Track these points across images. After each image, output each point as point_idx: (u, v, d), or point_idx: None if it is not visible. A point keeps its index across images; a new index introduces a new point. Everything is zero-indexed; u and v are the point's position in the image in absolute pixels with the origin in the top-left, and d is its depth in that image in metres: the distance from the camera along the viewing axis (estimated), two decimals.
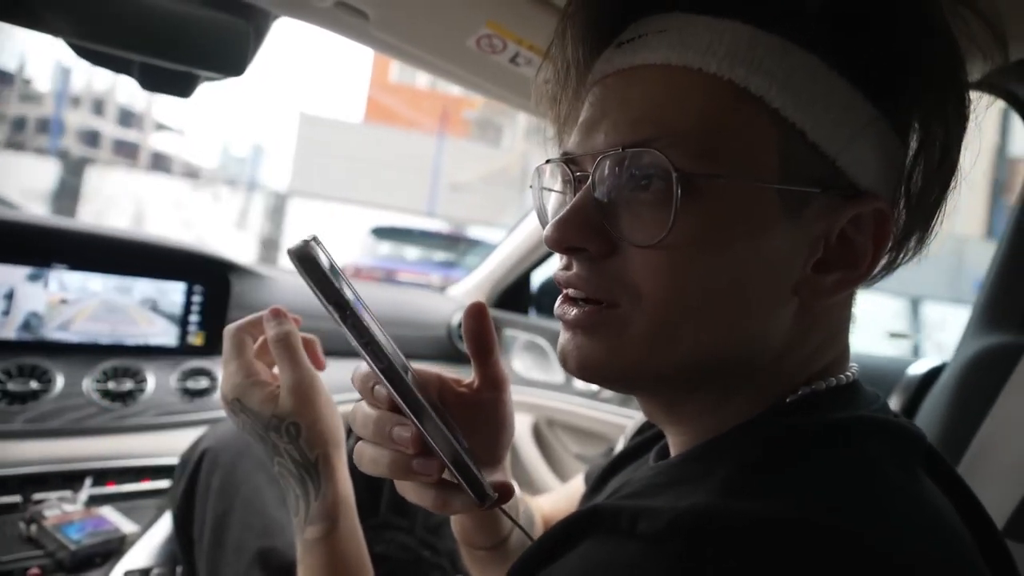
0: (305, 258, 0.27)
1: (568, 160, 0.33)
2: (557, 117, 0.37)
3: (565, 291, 0.33)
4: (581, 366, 0.32)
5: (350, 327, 0.29)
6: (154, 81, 0.68)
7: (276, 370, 0.47)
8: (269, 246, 9.09)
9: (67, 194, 8.10)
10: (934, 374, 0.79)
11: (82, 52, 0.63)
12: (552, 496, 0.65)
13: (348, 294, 0.29)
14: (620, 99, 0.31)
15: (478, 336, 0.38)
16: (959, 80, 0.30)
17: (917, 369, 0.82)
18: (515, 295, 1.46)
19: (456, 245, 6.21)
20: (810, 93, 0.29)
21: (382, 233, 5.83)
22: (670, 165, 0.28)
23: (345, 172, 10.57)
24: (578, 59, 0.33)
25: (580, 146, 0.32)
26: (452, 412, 0.37)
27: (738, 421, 0.32)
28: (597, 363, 0.31)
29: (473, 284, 1.48)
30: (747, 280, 0.30)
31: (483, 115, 12.89)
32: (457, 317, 1.38)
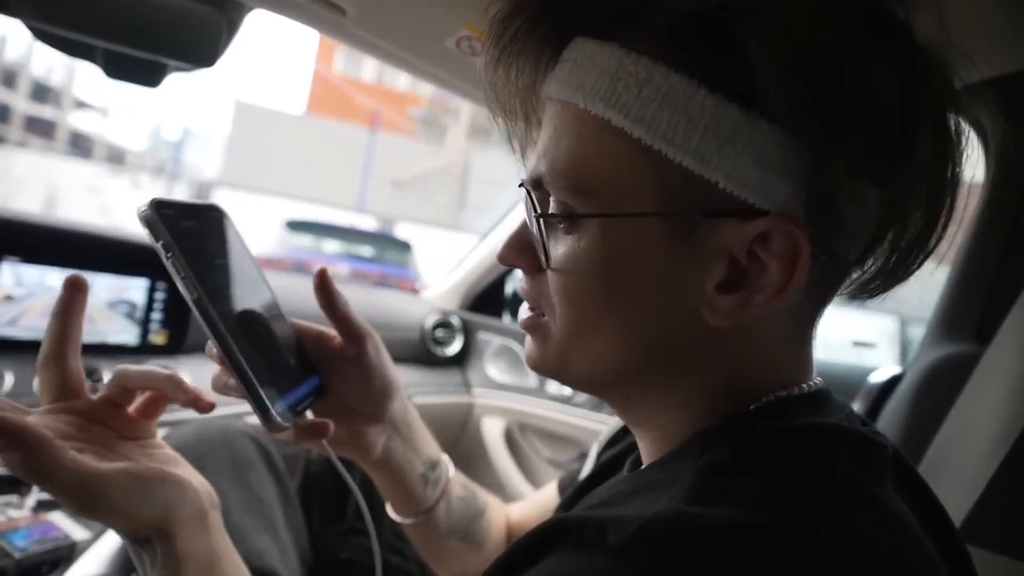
0: (144, 219, 0.35)
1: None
2: (523, 145, 0.38)
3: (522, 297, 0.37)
4: (527, 361, 0.37)
5: (171, 265, 0.35)
6: (120, 69, 0.66)
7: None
8: None
9: None
10: (894, 382, 0.82)
11: (42, 36, 0.60)
12: (523, 504, 0.65)
13: (180, 244, 0.36)
14: (543, 127, 0.33)
15: (327, 298, 0.45)
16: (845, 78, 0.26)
17: (878, 377, 0.85)
18: (489, 299, 1.46)
19: (376, 241, 6.52)
20: (670, 118, 0.28)
21: (296, 226, 5.95)
22: (533, 206, 0.32)
23: (278, 164, 10.28)
24: (524, 87, 0.35)
25: (526, 167, 0.36)
26: (329, 367, 0.45)
27: (700, 429, 0.32)
28: (534, 362, 0.36)
29: (446, 287, 1.47)
30: (639, 301, 0.31)
31: (429, 112, 12.73)
32: (430, 320, 1.37)
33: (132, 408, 0.40)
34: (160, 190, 10.32)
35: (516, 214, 1.27)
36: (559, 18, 0.31)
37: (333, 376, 0.46)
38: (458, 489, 0.56)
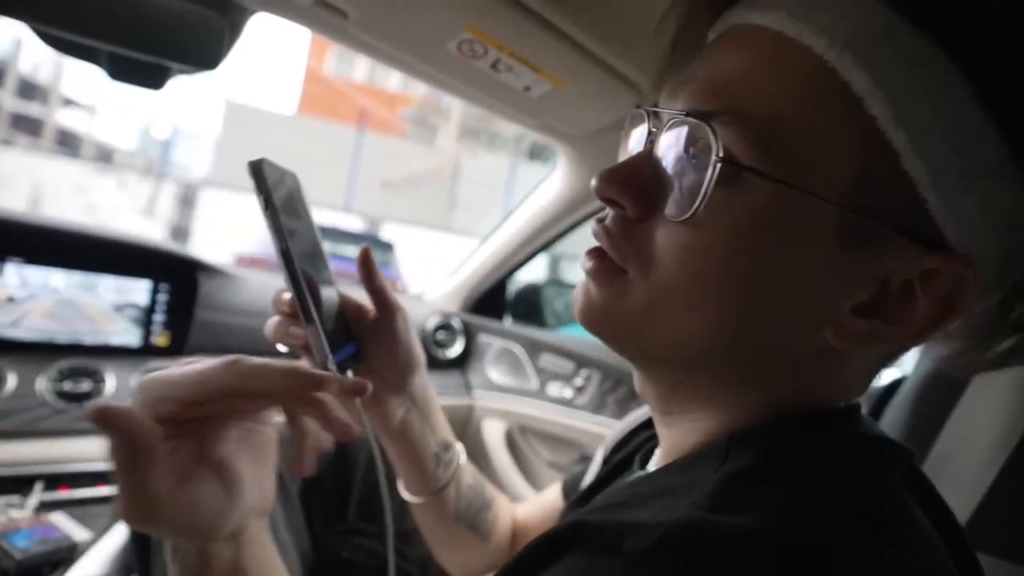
0: (255, 169, 0.39)
1: (654, 112, 0.30)
2: (668, 65, 0.33)
3: (596, 239, 0.32)
4: (581, 310, 0.32)
5: (268, 216, 0.39)
6: (124, 72, 0.66)
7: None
8: (179, 235, 8.67)
9: None
10: (895, 387, 0.82)
11: (47, 38, 0.61)
12: (527, 505, 0.65)
13: (276, 200, 0.39)
14: (715, 61, 0.28)
15: (367, 271, 0.49)
16: None
17: (879, 381, 0.85)
18: (491, 301, 1.46)
19: (359, 241, 6.70)
20: (929, 115, 0.23)
21: None
22: (716, 146, 0.25)
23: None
24: (698, 15, 0.31)
25: (663, 102, 0.30)
26: (363, 337, 0.49)
27: (730, 432, 0.31)
28: (594, 315, 0.31)
29: (448, 289, 1.47)
30: (765, 291, 0.27)
31: (419, 113, 12.71)
32: (432, 322, 1.37)
33: None
34: (147, 190, 10.19)
35: (517, 215, 1.27)
36: None
37: (365, 345, 0.49)
38: (468, 477, 0.57)
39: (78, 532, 0.78)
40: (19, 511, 0.79)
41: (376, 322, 0.49)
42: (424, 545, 0.59)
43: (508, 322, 1.48)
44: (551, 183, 1.14)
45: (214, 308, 1.06)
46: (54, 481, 0.85)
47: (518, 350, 1.35)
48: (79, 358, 0.93)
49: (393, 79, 13.33)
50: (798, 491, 0.26)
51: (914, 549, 0.26)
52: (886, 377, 0.85)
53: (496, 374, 1.38)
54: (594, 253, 0.31)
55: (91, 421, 0.30)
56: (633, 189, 0.29)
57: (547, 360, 1.30)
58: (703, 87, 0.27)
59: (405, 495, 0.55)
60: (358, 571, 0.74)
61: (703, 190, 0.26)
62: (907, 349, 0.30)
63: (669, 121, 0.29)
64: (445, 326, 1.40)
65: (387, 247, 6.51)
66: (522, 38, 0.64)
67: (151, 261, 1.03)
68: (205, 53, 0.64)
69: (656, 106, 0.31)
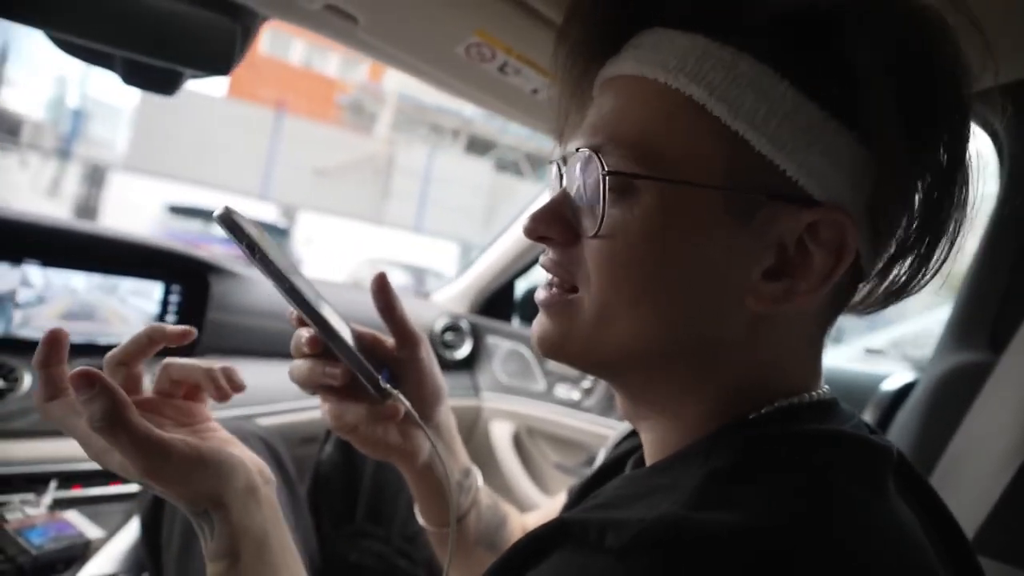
0: (224, 219, 0.37)
1: (563, 159, 0.37)
2: (563, 127, 0.39)
3: (546, 271, 0.37)
4: (538, 343, 0.36)
5: (258, 262, 0.37)
6: (137, 77, 0.67)
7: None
8: (86, 215, 8.06)
9: None
10: (907, 390, 0.81)
11: (62, 44, 0.62)
12: (538, 514, 0.65)
13: (258, 241, 0.38)
14: (596, 108, 0.34)
15: (386, 301, 0.47)
16: (934, 95, 0.29)
17: (890, 384, 0.84)
18: (498, 303, 1.47)
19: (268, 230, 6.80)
20: (752, 103, 0.29)
21: (179, 211, 6.26)
22: (601, 165, 0.31)
23: (184, 147, 9.32)
24: (578, 74, 0.36)
25: (564, 149, 0.36)
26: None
27: (708, 431, 0.32)
28: (550, 342, 0.35)
29: (456, 291, 1.47)
30: (686, 278, 0.31)
31: (356, 100, 12.06)
32: (440, 323, 1.38)
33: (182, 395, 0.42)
34: (51, 171, 9.24)
35: (526, 216, 1.27)
36: (638, 7, 0.33)
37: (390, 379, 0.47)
38: (485, 498, 0.56)
39: (92, 529, 0.79)
40: (34, 508, 0.81)
41: (400, 353, 0.48)
42: (431, 548, 0.59)
43: (516, 324, 1.48)
44: None
45: (226, 309, 1.07)
46: (68, 479, 0.87)
47: (526, 352, 1.35)
48: (93, 358, 0.94)
49: (331, 64, 12.49)
50: (776, 490, 0.27)
51: (892, 543, 0.27)
52: (897, 381, 0.84)
53: (504, 375, 1.38)
54: (545, 287, 0.36)
55: (74, 382, 0.34)
56: (554, 221, 0.34)
57: (555, 362, 1.31)
58: (589, 128, 0.33)
59: (426, 526, 0.53)
60: (366, 574, 0.75)
61: (602, 203, 0.31)
62: (834, 316, 0.34)
63: (569, 159, 0.35)
64: (453, 327, 1.40)
65: (281, 233, 6.63)
66: (530, 42, 0.64)
67: (163, 263, 1.04)
68: (217, 58, 0.64)
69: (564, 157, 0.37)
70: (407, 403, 0.44)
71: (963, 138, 0.31)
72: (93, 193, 8.80)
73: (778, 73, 0.29)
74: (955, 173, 0.31)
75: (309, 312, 0.39)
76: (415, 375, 0.48)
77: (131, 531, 0.78)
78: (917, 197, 0.31)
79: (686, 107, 0.30)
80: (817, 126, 0.29)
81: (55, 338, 0.38)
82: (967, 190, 0.31)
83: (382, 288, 0.47)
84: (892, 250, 0.32)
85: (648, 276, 0.31)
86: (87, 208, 8.45)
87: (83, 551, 0.77)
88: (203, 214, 6.50)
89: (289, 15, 0.63)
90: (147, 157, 9.30)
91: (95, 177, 9.05)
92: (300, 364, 0.44)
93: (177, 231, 5.96)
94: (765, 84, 0.29)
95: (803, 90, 0.29)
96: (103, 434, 0.34)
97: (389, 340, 0.48)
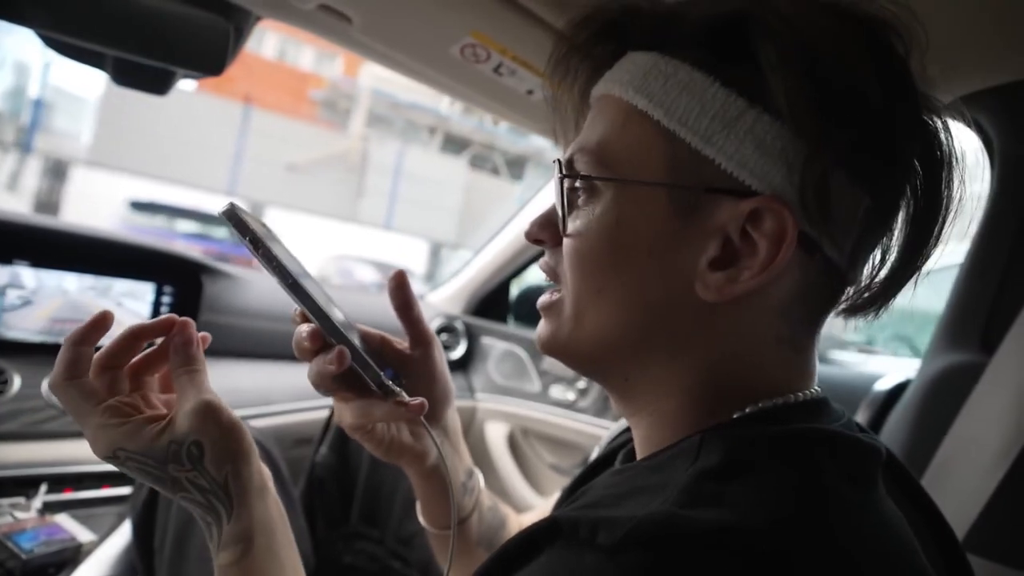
0: (229, 215, 0.37)
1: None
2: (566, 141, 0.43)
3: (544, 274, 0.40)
4: (539, 345, 0.39)
5: (261, 258, 0.38)
6: (128, 77, 0.67)
7: (161, 395, 0.45)
8: (47, 210, 7.71)
9: None
10: (899, 390, 0.82)
11: (53, 43, 0.61)
12: (534, 513, 0.65)
13: (262, 237, 0.38)
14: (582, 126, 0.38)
15: (404, 299, 0.47)
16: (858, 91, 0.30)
17: (883, 385, 0.84)
18: (494, 303, 1.46)
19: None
20: (686, 105, 0.32)
21: (141, 207, 6.29)
22: (560, 172, 0.36)
23: (152, 141, 8.87)
24: (575, 93, 0.40)
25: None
26: (396, 367, 0.45)
27: (694, 428, 0.33)
28: (544, 341, 0.38)
29: (452, 291, 1.47)
30: (639, 268, 0.33)
31: (329, 96, 11.81)
32: (434, 324, 1.38)
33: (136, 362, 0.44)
34: (10, 165, 8.61)
35: (521, 217, 1.27)
36: (617, 36, 0.37)
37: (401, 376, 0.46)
38: (486, 499, 0.56)
39: (83, 533, 0.78)
40: (24, 512, 0.80)
41: (413, 352, 0.48)
42: (426, 549, 0.59)
43: (511, 324, 1.48)
44: None
45: (219, 311, 1.07)
46: (59, 482, 0.86)
47: (521, 352, 1.35)
48: None
49: (306, 58, 11.95)
50: (766, 488, 0.27)
51: (880, 540, 0.27)
52: (889, 382, 0.85)
53: (499, 376, 1.38)
54: (547, 291, 0.39)
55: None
56: (546, 225, 0.38)
57: (550, 362, 1.31)
58: (572, 145, 0.37)
59: (428, 527, 0.53)
60: None
61: (563, 204, 0.36)
62: (809, 315, 0.35)
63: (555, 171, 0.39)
64: (448, 328, 1.40)
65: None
66: (524, 43, 0.64)
67: (154, 263, 1.03)
68: (210, 58, 0.64)
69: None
70: (412, 401, 0.43)
71: (889, 119, 0.31)
72: (55, 187, 8.52)
73: (710, 76, 0.32)
74: (894, 153, 0.31)
75: (312, 307, 0.39)
76: (427, 375, 0.48)
77: (123, 535, 0.77)
78: (860, 184, 0.31)
79: (635, 116, 0.34)
80: (747, 119, 0.31)
81: (102, 320, 0.40)
82: (920, 177, 0.33)
83: (400, 285, 0.47)
84: (855, 239, 0.32)
85: (607, 268, 0.34)
86: (48, 203, 8.15)
87: (74, 555, 0.76)
88: (165, 209, 6.55)
89: (282, 15, 0.63)
90: (112, 151, 8.90)
91: (57, 171, 8.71)
92: (310, 366, 0.43)
93: (139, 227, 5.97)
94: (698, 87, 0.32)
95: (731, 87, 0.32)
96: (183, 383, 0.41)
97: (398, 342, 0.48)
